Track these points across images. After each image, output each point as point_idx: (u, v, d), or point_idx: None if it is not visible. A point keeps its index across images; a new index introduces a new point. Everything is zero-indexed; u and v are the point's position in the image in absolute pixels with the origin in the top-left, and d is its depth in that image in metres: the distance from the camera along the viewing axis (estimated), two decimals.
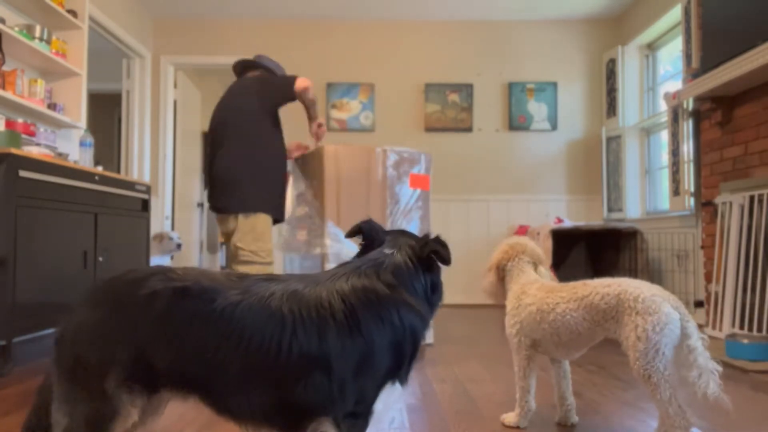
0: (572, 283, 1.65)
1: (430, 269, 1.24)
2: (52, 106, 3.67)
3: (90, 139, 3.56)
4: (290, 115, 5.46)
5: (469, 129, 5.40)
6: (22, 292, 2.57)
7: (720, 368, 1.44)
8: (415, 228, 3.28)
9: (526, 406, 1.73)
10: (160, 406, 1.16)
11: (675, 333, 1.43)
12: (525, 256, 1.79)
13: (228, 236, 2.98)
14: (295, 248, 3.23)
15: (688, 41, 4.04)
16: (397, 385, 1.15)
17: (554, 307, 1.61)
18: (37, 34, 3.44)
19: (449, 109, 5.39)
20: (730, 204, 3.42)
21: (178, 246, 4.70)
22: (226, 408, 1.08)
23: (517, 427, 1.73)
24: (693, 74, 3.67)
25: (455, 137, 5.40)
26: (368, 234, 1.32)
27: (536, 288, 1.70)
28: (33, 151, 2.90)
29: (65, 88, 3.82)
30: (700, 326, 3.76)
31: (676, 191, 4.17)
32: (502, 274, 1.81)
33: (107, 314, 1.07)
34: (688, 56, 4.03)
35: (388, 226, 3.15)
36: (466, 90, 5.40)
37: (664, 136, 4.63)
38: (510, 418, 1.76)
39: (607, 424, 1.78)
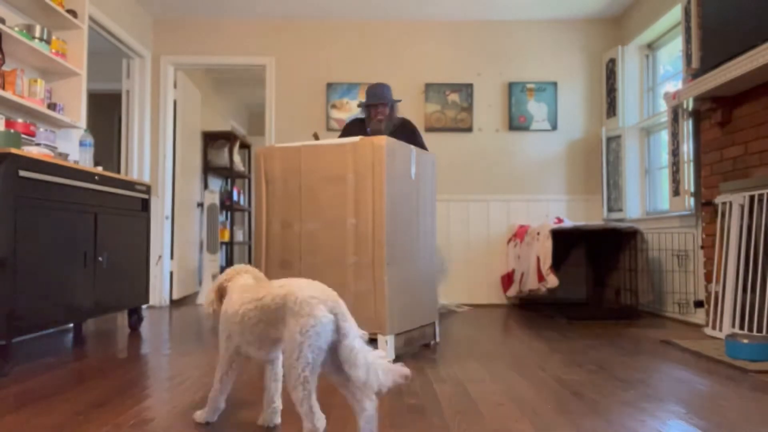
0: (267, 283, 1.66)
1: None
2: (52, 106, 3.67)
3: (90, 139, 3.56)
4: (293, 109, 5.47)
5: (469, 129, 5.40)
6: (22, 292, 2.57)
7: (383, 353, 1.45)
8: (432, 226, 3.26)
9: (215, 405, 1.77)
10: None
11: (323, 335, 1.43)
12: (247, 274, 1.78)
13: None
14: None
15: (688, 41, 4.03)
16: None
17: (240, 308, 1.62)
18: (37, 34, 3.43)
19: (449, 109, 5.39)
20: (730, 204, 3.42)
21: None
22: None
23: (207, 423, 1.78)
24: (693, 74, 3.66)
25: (455, 137, 5.40)
26: None
27: (238, 291, 1.69)
28: (33, 151, 2.90)
29: (65, 88, 3.81)
30: (700, 326, 3.76)
31: (676, 191, 4.17)
32: (222, 293, 1.80)
33: None
34: (688, 56, 4.03)
35: (419, 225, 3.06)
36: (466, 90, 5.40)
37: (664, 136, 4.62)
38: (198, 415, 1.80)
39: (607, 425, 1.78)
